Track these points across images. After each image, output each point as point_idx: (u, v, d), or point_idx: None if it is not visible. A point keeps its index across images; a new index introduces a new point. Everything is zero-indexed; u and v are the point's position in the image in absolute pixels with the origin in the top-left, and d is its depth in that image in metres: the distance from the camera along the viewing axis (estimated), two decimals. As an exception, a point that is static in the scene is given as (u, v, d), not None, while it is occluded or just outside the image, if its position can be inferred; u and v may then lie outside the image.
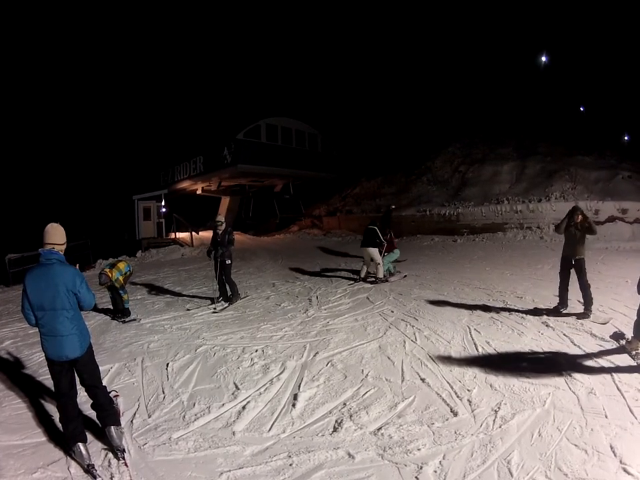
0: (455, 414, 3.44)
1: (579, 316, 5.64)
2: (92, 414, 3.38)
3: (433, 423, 3.34)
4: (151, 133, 33.83)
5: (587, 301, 5.73)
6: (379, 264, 8.71)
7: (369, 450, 3.07)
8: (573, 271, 5.97)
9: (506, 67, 23.94)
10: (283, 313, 6.91)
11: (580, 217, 5.87)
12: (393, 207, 13.15)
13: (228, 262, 7.61)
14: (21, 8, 33.32)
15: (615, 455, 2.79)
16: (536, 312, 6.04)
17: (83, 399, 3.36)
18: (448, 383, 4.00)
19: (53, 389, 3.26)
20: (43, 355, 3.14)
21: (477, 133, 22.34)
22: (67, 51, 36.14)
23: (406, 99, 27.39)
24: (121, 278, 6.87)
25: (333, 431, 3.34)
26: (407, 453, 3.00)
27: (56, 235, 3.11)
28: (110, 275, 6.74)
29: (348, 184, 24.73)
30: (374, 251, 8.69)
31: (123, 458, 3.06)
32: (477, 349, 4.78)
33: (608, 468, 2.68)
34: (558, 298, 6.11)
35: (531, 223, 15.01)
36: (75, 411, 3.16)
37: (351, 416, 3.53)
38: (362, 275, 8.99)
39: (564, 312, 5.91)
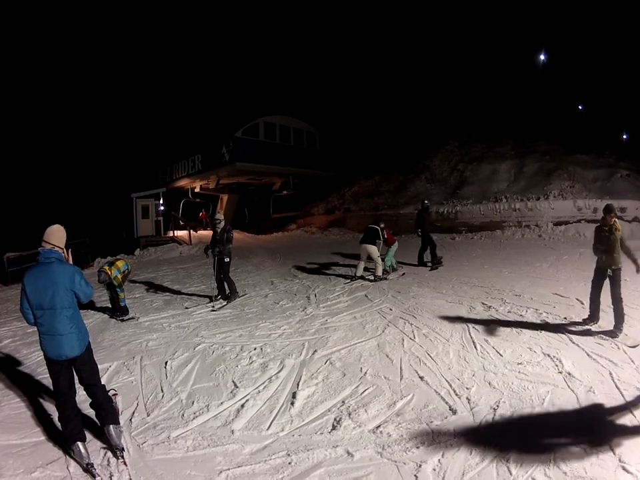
0: (454, 412, 3.45)
1: (607, 334, 4.89)
2: (91, 413, 3.38)
3: (432, 421, 3.34)
4: (149, 132, 33.79)
5: (618, 316, 4.96)
6: (377, 262, 8.72)
7: (368, 448, 3.07)
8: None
9: (505, 65, 23.95)
10: (281, 311, 6.90)
11: (613, 219, 5.08)
12: (426, 202, 10.88)
13: (226, 260, 7.59)
14: (21, 7, 33.19)
15: (614, 453, 2.79)
16: (560, 327, 5.29)
17: (82, 398, 3.35)
18: (447, 381, 4.01)
19: (51, 388, 3.25)
20: (42, 353, 3.14)
21: (475, 131, 22.35)
22: (66, 51, 36.02)
23: (404, 97, 27.37)
24: (119, 276, 6.86)
25: (331, 429, 3.34)
26: (406, 451, 3.00)
27: (59, 237, 3.13)
28: (109, 273, 6.73)
29: (346, 182, 24.73)
30: (373, 249, 8.70)
31: (122, 457, 3.06)
32: (475, 347, 4.79)
33: (607, 466, 2.69)
34: (588, 311, 5.40)
35: (529, 221, 15.03)
36: (74, 410, 3.15)
37: (349, 414, 3.53)
38: (358, 274, 8.97)
39: (592, 328, 5.16)
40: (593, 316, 5.31)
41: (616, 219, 5.14)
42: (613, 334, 4.88)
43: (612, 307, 5.07)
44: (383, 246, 9.26)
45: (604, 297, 5.22)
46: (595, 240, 5.34)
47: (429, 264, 10.04)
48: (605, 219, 5.16)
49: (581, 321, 5.40)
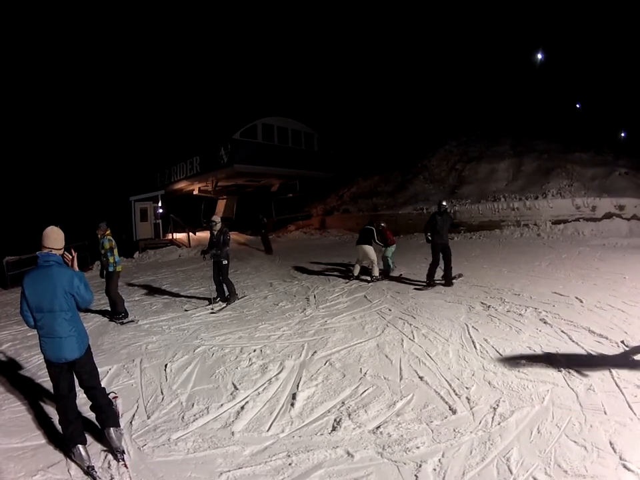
0: (454, 412, 3.45)
1: None
2: (91, 415, 3.37)
3: (432, 421, 3.34)
4: (147, 134, 33.77)
5: None
6: (374, 262, 8.73)
7: (368, 448, 3.07)
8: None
9: (502, 64, 23.99)
10: (280, 312, 6.90)
11: None
12: (444, 203, 8.35)
13: (225, 262, 7.59)
14: (20, 7, 33.19)
15: (615, 451, 2.79)
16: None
17: (82, 401, 3.35)
18: (446, 380, 4.01)
19: (52, 391, 3.25)
20: (42, 357, 3.14)
21: (473, 130, 22.39)
22: (65, 52, 36.02)
23: (402, 97, 27.41)
24: (107, 244, 7.04)
25: (331, 430, 3.34)
26: (406, 451, 3.00)
27: (56, 239, 3.12)
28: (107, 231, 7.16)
29: (344, 183, 24.76)
30: (369, 249, 8.72)
31: (123, 459, 3.06)
32: (475, 347, 4.78)
33: (607, 464, 2.69)
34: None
35: (528, 220, 15.06)
36: (75, 412, 3.15)
37: (349, 415, 3.53)
38: (355, 274, 9.04)
39: None
40: None
41: None
42: None
43: None
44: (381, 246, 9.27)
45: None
46: None
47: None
48: None
49: None
